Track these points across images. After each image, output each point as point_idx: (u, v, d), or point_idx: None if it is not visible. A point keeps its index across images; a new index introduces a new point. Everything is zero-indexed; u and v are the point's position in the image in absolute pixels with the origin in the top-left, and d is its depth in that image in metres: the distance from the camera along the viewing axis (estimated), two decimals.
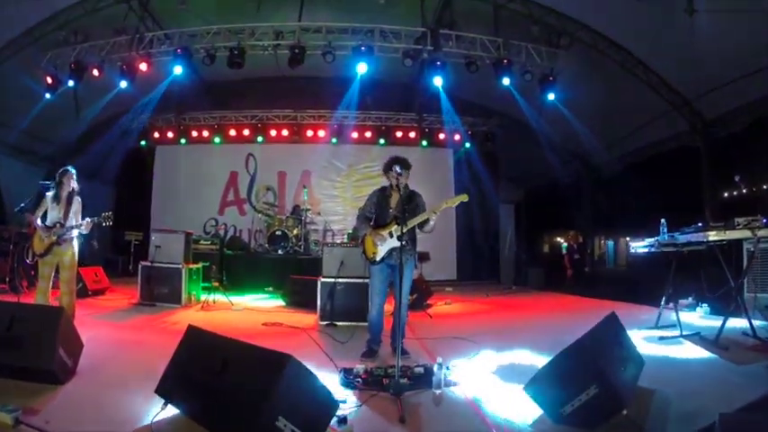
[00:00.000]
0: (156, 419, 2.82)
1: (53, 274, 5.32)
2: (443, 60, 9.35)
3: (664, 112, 10.56)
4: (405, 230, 4.37)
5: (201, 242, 10.59)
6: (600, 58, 9.97)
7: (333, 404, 2.73)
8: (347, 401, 3.25)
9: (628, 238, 16.94)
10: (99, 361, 4.03)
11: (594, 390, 2.68)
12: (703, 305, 6.65)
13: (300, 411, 2.46)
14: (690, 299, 6.85)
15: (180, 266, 7.70)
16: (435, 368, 3.53)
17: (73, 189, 5.41)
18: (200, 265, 8.54)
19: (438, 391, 3.45)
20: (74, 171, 5.45)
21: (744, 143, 9.63)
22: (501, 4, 9.44)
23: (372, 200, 4.92)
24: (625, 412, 2.72)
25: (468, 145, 13.64)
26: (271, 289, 10.02)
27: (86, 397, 3.26)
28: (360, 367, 3.92)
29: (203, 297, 8.25)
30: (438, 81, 9.57)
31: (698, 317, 6.46)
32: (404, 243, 4.46)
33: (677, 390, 3.39)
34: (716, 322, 5.50)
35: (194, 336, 3.28)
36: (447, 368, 3.96)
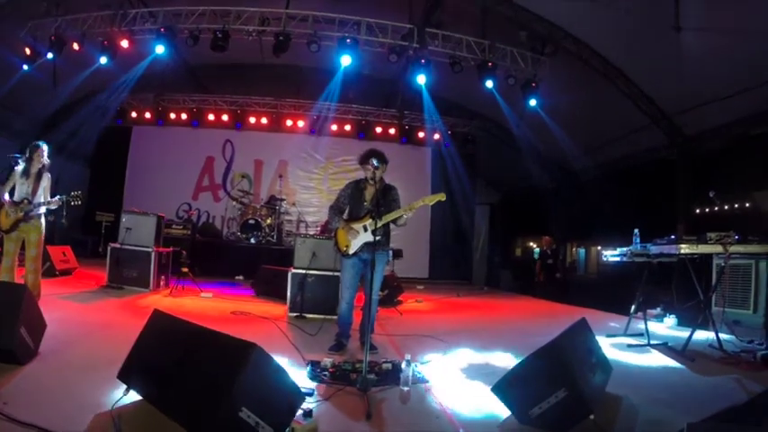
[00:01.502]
0: (118, 405, 2.73)
1: (18, 251, 5.18)
2: (428, 58, 9.30)
3: (643, 125, 10.72)
4: (380, 225, 4.32)
5: (173, 227, 10.38)
6: (583, 68, 10.06)
7: (298, 396, 2.67)
8: (314, 394, 3.18)
9: (599, 247, 17.25)
10: (62, 343, 3.91)
11: (563, 393, 2.66)
12: (671, 316, 6.76)
13: (265, 402, 2.38)
14: (658, 309, 6.97)
15: (150, 250, 7.48)
16: (404, 365, 3.46)
17: (43, 165, 5.26)
18: (170, 250, 8.33)
19: (406, 389, 3.39)
20: (45, 146, 5.28)
21: (720, 161, 9.86)
22: (489, 6, 9.44)
23: (347, 192, 4.83)
24: (592, 417, 2.71)
25: (447, 145, 13.65)
26: (241, 278, 9.91)
27: (47, 379, 3.13)
28: (327, 361, 3.86)
29: (172, 282, 8.04)
30: (421, 79, 9.51)
31: (665, 327, 6.56)
32: (378, 238, 4.42)
33: (644, 397, 3.40)
34: (683, 333, 5.62)
35: (159, 320, 3.18)
36: (415, 365, 3.92)
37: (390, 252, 4.72)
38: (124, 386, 2.87)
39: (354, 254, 4.58)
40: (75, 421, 2.53)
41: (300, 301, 6.41)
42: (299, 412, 2.66)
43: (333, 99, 12.39)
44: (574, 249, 17.27)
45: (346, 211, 4.79)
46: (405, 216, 4.45)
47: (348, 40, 8.90)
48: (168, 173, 13.38)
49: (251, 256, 10.35)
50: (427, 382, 3.68)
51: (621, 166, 12.32)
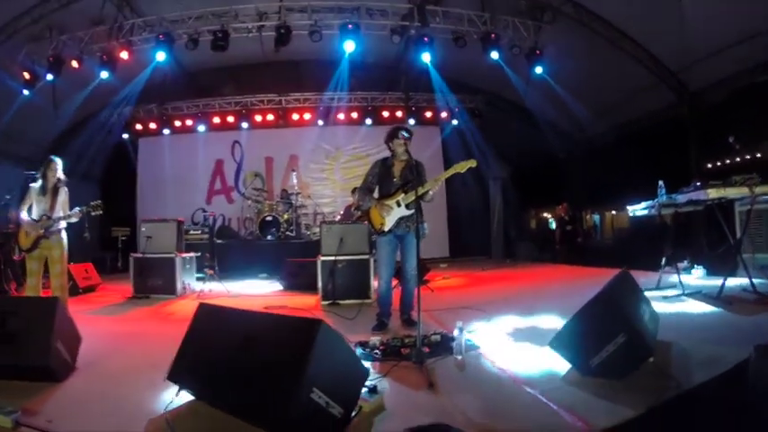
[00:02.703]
0: (171, 408, 2.65)
1: (42, 270, 5.12)
2: (431, 36, 9.26)
3: (650, 85, 10.63)
4: (413, 198, 4.37)
5: (191, 232, 10.46)
6: (586, 32, 9.97)
7: (364, 372, 2.62)
8: (370, 372, 3.23)
9: (614, 211, 17.21)
10: (99, 355, 3.82)
11: (623, 338, 2.71)
12: (699, 267, 6.78)
13: (334, 381, 2.30)
14: (685, 262, 6.98)
15: (173, 256, 7.50)
16: (456, 333, 3.52)
17: (59, 179, 5.20)
18: (192, 255, 8.42)
19: (459, 357, 3.44)
20: (59, 160, 5.24)
21: (728, 113, 9.76)
22: None
23: (374, 170, 4.85)
24: (652, 360, 2.77)
25: (455, 122, 13.61)
26: (265, 275, 9.94)
27: (89, 392, 3.03)
28: (375, 339, 3.91)
29: (199, 287, 8.12)
30: (426, 57, 9.48)
31: (695, 278, 6.58)
32: (411, 212, 4.49)
33: (692, 340, 3.46)
34: (713, 282, 5.67)
35: (207, 313, 3.09)
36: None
37: (425, 225, 4.74)
38: (174, 388, 2.78)
39: (390, 231, 4.62)
40: (128, 430, 2.46)
41: (332, 289, 6.44)
42: (364, 389, 2.63)
43: (337, 88, 12.33)
44: (588, 216, 17.21)
45: (376, 191, 4.82)
46: (431, 192, 4.47)
47: (349, 26, 8.85)
48: (179, 181, 13.46)
49: (272, 253, 10.39)
50: (478, 348, 3.74)
51: (631, 128, 12.18)
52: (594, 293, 2.99)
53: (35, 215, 5.03)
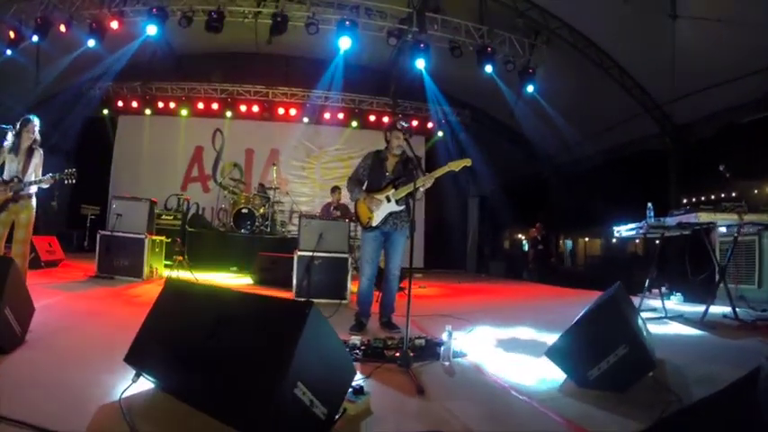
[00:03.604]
0: (126, 395, 2.29)
1: (5, 236, 4.80)
2: (427, 43, 9.21)
3: (634, 114, 10.84)
4: (403, 194, 4.26)
5: (163, 216, 10.08)
6: (577, 56, 10.12)
7: (351, 369, 2.32)
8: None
9: (587, 238, 17.47)
10: (51, 331, 3.51)
11: (624, 350, 2.60)
12: (677, 294, 6.83)
13: (319, 376, 1.98)
14: (664, 288, 7.02)
15: (143, 237, 7.17)
16: (445, 337, 3.37)
17: (35, 140, 4.91)
18: (163, 239, 8.07)
19: (447, 363, 3.29)
20: (37, 120, 4.95)
21: (710, 150, 9.97)
22: None
23: (366, 162, 4.65)
24: (651, 374, 2.67)
25: (441, 134, 13.58)
26: (235, 269, 9.62)
27: (38, 369, 2.69)
28: (355, 339, 3.70)
29: (166, 272, 7.77)
30: (421, 63, 9.43)
31: (674, 303, 6.61)
32: (401, 208, 4.34)
33: (684, 359, 3.39)
34: (691, 308, 5.75)
35: (175, 289, 2.74)
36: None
37: (411, 225, 4.55)
38: (131, 373, 2.43)
39: (377, 227, 4.44)
40: (76, 416, 2.09)
41: (307, 286, 6.15)
42: (349, 390, 2.32)
43: (326, 87, 12.24)
44: (561, 240, 17.43)
45: (365, 184, 4.63)
46: (421, 189, 4.24)
47: (347, 23, 8.74)
48: (156, 163, 13.08)
49: (244, 247, 10.06)
50: (466, 354, 3.58)
51: (614, 154, 12.42)
52: (580, 308, 2.92)
53: (5, 176, 4.74)
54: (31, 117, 4.94)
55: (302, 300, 2.17)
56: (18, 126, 4.87)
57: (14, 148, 4.80)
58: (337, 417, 2.11)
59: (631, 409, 2.41)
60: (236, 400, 1.93)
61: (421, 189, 4.21)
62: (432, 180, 4.24)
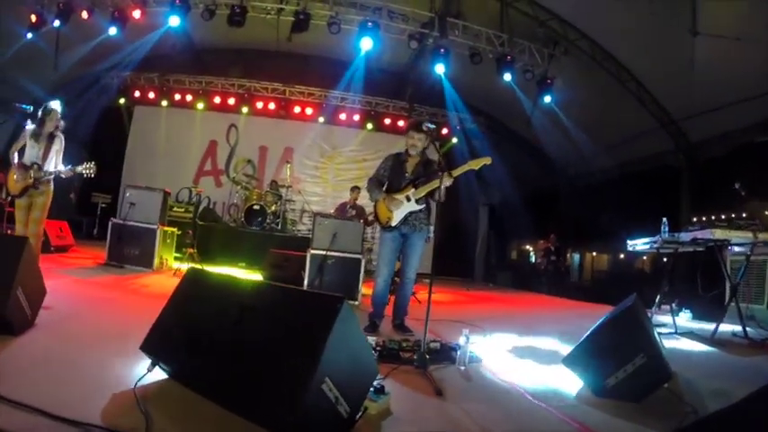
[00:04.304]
0: (141, 384, 2.25)
1: (26, 220, 4.88)
2: (448, 48, 9.24)
3: (650, 129, 10.82)
4: (423, 193, 4.27)
5: (175, 208, 10.11)
6: (595, 68, 10.12)
7: (374, 368, 2.30)
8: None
9: (594, 253, 17.38)
10: (62, 315, 3.46)
11: (641, 360, 2.62)
12: (686, 310, 6.80)
13: (345, 373, 1.94)
14: (673, 304, 7.00)
15: (155, 227, 7.19)
16: (462, 341, 3.38)
17: (57, 127, 4.96)
18: (175, 230, 8.11)
19: (463, 367, 3.31)
20: (58, 108, 4.98)
21: (722, 169, 9.92)
22: (508, 2, 9.46)
23: (387, 164, 4.67)
24: (667, 386, 2.68)
25: (455, 140, 13.57)
26: (244, 264, 9.64)
27: (49, 353, 2.63)
28: (371, 340, 3.70)
29: (176, 264, 7.81)
30: (440, 68, 9.42)
31: (683, 320, 6.57)
32: (420, 207, 4.35)
33: (695, 373, 3.39)
34: (701, 325, 5.72)
35: (197, 277, 2.68)
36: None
37: (431, 228, 4.57)
38: (146, 361, 2.39)
39: (396, 227, 4.46)
40: (88, 403, 2.03)
41: (319, 285, 6.17)
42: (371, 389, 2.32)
43: (343, 88, 12.28)
44: (569, 254, 17.36)
45: (386, 185, 4.66)
46: (442, 188, 4.13)
47: (369, 24, 8.76)
48: (170, 155, 13.09)
49: (254, 243, 10.03)
50: (481, 360, 3.59)
51: (625, 170, 12.38)
52: (594, 320, 2.92)
53: (26, 160, 4.81)
54: (54, 106, 4.97)
55: (333, 294, 2.12)
56: (41, 113, 4.91)
57: (35, 134, 4.87)
58: (359, 416, 2.10)
59: (648, 419, 2.42)
60: (261, 393, 1.90)
61: (442, 188, 4.22)
62: (450, 179, 4.21)
